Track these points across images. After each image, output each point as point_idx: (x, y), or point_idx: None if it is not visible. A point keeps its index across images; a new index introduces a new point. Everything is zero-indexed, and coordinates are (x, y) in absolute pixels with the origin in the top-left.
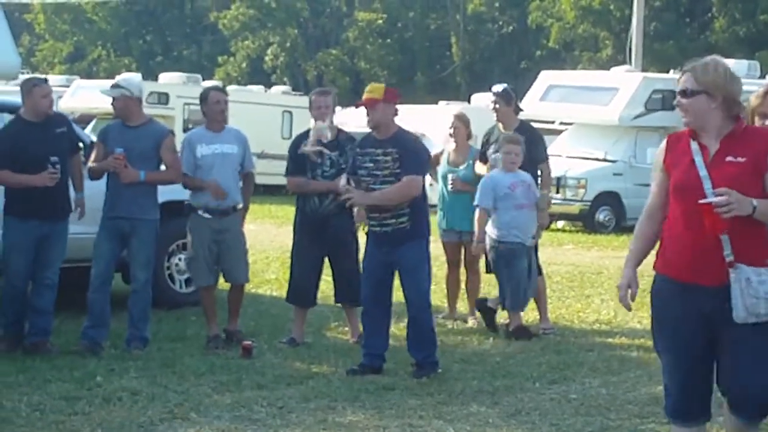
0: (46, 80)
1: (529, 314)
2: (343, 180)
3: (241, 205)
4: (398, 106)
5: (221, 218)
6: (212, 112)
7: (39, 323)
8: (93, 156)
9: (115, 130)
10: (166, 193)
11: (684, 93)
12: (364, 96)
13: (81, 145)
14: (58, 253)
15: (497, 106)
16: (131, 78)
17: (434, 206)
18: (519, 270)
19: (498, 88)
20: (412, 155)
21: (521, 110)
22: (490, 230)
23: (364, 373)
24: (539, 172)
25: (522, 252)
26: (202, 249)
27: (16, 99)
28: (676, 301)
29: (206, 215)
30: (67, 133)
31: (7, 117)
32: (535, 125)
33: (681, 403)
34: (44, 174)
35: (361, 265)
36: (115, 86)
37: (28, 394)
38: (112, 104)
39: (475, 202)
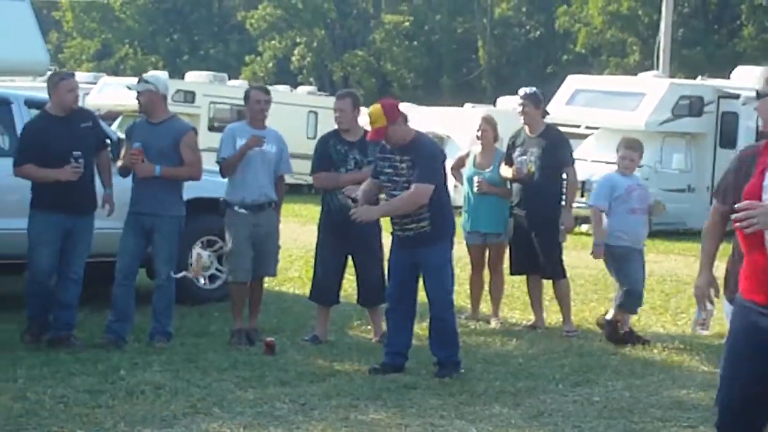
0: (72, 75)
1: (552, 317)
2: (363, 185)
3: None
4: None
5: (257, 213)
6: (253, 110)
7: (63, 317)
8: (122, 153)
9: (139, 127)
10: (192, 189)
11: (757, 95)
12: (371, 128)
13: (108, 141)
14: (84, 247)
15: (526, 108)
16: (158, 74)
17: (459, 208)
18: (633, 270)
19: (527, 90)
20: (424, 162)
21: (548, 113)
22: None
23: (386, 372)
24: (565, 176)
25: (633, 254)
26: (241, 244)
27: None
28: (738, 317)
29: (242, 211)
30: (92, 127)
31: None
32: (560, 129)
33: (727, 422)
34: (67, 168)
35: (385, 265)
36: (141, 81)
37: (52, 387)
38: (137, 98)
39: (590, 202)
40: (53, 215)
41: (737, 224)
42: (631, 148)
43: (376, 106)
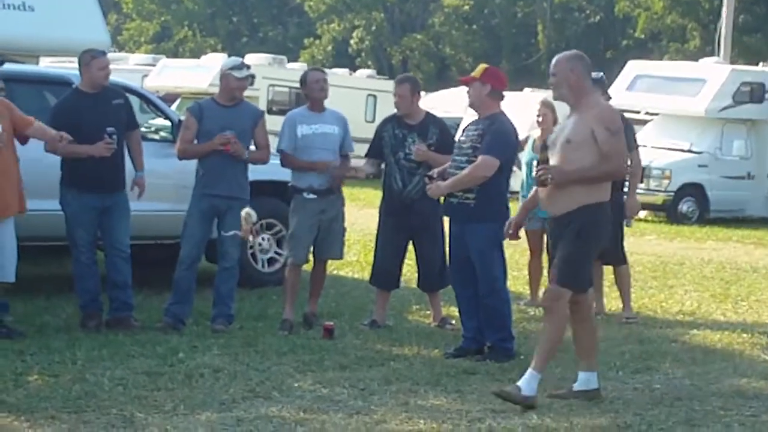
0: (104, 53)
1: (612, 303)
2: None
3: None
4: None
5: (326, 197)
6: (312, 92)
7: (120, 297)
8: (183, 134)
9: (211, 109)
10: (254, 172)
11: None
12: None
13: (171, 122)
14: (125, 223)
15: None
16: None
17: (516, 193)
18: None
19: (594, 75)
20: (495, 135)
21: (610, 98)
22: None
23: (462, 355)
24: (628, 161)
25: None
26: (304, 228)
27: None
28: None
29: (312, 196)
30: (123, 105)
31: None
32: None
33: None
34: (100, 144)
35: (446, 249)
36: (244, 66)
37: (111, 369)
38: (240, 81)
39: None
40: (86, 194)
41: None
42: None
43: (486, 65)
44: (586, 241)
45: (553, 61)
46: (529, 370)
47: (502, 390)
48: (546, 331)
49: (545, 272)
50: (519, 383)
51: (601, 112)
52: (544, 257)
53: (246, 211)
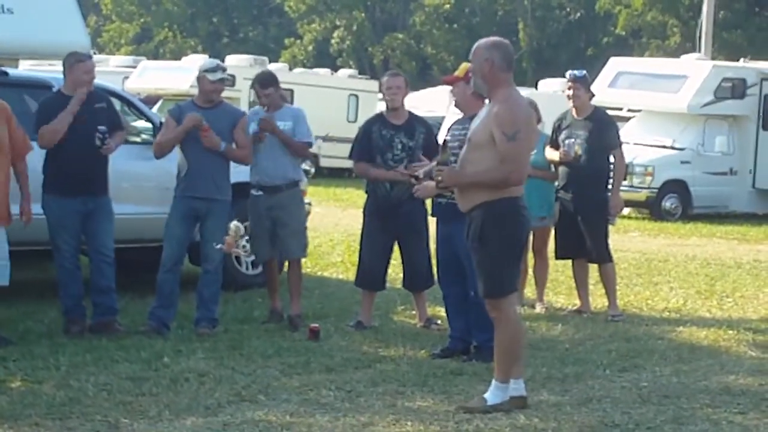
0: (90, 56)
1: (598, 300)
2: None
3: (302, 182)
4: None
5: (274, 195)
6: (259, 100)
7: (105, 302)
8: (162, 134)
9: (189, 110)
10: (236, 174)
11: None
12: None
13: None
14: (108, 227)
15: (576, 91)
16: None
17: None
18: None
19: (577, 73)
20: None
21: (593, 96)
22: None
23: (448, 356)
24: (612, 158)
25: None
26: (258, 226)
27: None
28: None
29: (259, 193)
30: (106, 109)
31: None
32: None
33: None
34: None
35: (432, 249)
36: (219, 69)
37: (95, 375)
38: (214, 84)
39: None
40: (68, 200)
41: None
42: None
43: (468, 64)
44: (493, 245)
45: (473, 47)
46: (493, 381)
47: (467, 406)
48: (499, 340)
49: (530, 271)
50: (485, 395)
51: (502, 113)
52: (529, 256)
53: (235, 223)
